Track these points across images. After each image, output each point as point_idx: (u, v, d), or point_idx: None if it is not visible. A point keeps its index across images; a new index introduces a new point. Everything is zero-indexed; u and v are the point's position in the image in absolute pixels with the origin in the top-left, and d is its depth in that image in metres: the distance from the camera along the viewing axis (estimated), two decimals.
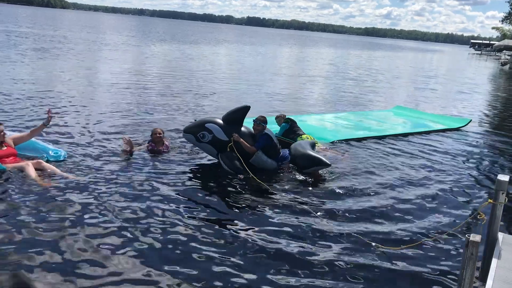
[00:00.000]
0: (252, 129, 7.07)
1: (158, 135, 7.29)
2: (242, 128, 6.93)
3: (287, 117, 9.06)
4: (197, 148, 7.28)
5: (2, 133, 6.03)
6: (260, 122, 7.01)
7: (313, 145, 7.46)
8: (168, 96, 13.07)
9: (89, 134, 8.03)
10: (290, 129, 8.68)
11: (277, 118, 9.22)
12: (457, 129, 11.65)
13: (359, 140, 9.43)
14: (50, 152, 6.49)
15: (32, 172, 5.68)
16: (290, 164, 7.10)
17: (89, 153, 6.93)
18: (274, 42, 69.32)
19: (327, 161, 6.90)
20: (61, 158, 6.46)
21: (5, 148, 6.08)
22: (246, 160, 6.71)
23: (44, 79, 14.14)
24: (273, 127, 9.02)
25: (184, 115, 10.53)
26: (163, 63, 23.20)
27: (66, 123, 8.80)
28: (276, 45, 59.60)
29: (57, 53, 22.59)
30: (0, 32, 32.60)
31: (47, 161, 6.19)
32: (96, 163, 6.50)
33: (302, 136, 8.51)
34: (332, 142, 9.01)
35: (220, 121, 6.87)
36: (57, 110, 9.82)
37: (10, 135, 6.44)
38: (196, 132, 6.82)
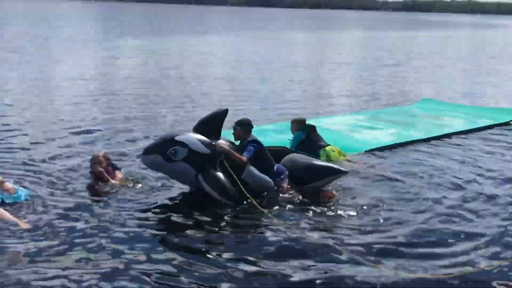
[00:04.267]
0: (233, 140, 7.00)
1: (98, 163, 7.09)
2: (221, 140, 6.75)
3: (306, 122, 8.71)
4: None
5: None
6: (245, 125, 6.91)
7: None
8: (147, 106, 13.39)
9: (53, 165, 8.08)
10: (308, 140, 8.39)
11: (292, 122, 8.80)
12: (506, 123, 11.77)
13: (381, 149, 9.48)
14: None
15: None
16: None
17: (52, 191, 6.95)
18: (286, 27, 69.41)
19: (342, 168, 7.10)
20: (22, 199, 6.48)
21: None
22: (237, 177, 6.54)
23: None
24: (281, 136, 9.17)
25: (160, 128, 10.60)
26: (142, 62, 23.47)
27: (24, 150, 8.90)
28: (290, 30, 59.57)
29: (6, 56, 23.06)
30: None
31: (1, 203, 6.25)
32: (57, 204, 6.50)
33: (326, 148, 8.34)
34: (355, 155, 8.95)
35: (193, 133, 6.70)
36: (13, 133, 10.11)
37: None
38: (165, 150, 6.47)
